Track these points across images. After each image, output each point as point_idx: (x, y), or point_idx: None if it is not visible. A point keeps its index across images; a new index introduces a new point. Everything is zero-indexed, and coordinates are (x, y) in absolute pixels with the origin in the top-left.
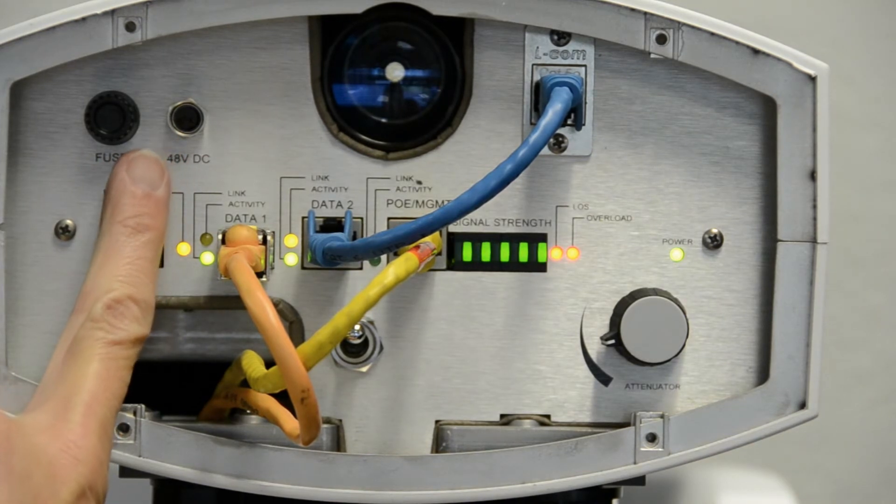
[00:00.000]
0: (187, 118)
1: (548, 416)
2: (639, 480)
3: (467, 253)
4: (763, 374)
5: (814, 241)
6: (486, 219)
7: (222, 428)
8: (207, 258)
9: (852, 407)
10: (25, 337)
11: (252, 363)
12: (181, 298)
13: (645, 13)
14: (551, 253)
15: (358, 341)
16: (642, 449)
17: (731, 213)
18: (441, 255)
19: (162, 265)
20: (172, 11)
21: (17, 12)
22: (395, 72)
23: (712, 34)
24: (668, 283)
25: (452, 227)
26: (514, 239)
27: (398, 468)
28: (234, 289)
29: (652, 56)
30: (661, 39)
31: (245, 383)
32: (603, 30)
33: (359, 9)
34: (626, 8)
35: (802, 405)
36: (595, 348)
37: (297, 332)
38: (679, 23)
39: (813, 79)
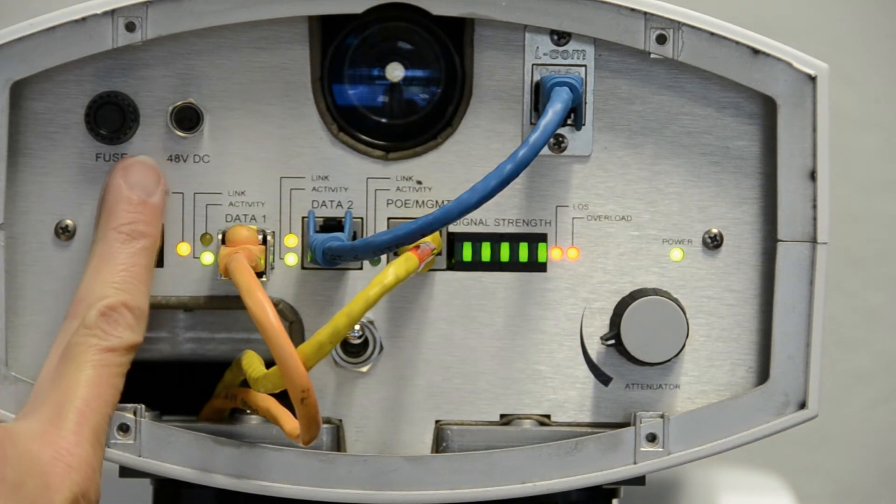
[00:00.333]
0: (187, 118)
1: (548, 416)
2: (639, 480)
3: (467, 253)
4: (763, 374)
5: (814, 241)
6: (486, 219)
7: (222, 428)
8: (207, 258)
9: (852, 407)
10: (25, 337)
11: (252, 363)
12: (181, 298)
13: (645, 13)
14: (551, 253)
15: (358, 341)
16: (642, 449)
17: (731, 213)
18: (441, 255)
19: (162, 265)
20: (172, 11)
21: (17, 12)
22: (395, 72)
23: (712, 34)
24: (668, 283)
25: (452, 227)
26: (514, 239)
27: (398, 468)
28: (234, 289)
29: (652, 56)
30: (661, 39)
31: (245, 383)
32: (603, 30)
33: (359, 9)
34: (626, 8)
35: (802, 405)
36: (595, 348)
37: (297, 332)
38: (679, 23)
39: (813, 79)
